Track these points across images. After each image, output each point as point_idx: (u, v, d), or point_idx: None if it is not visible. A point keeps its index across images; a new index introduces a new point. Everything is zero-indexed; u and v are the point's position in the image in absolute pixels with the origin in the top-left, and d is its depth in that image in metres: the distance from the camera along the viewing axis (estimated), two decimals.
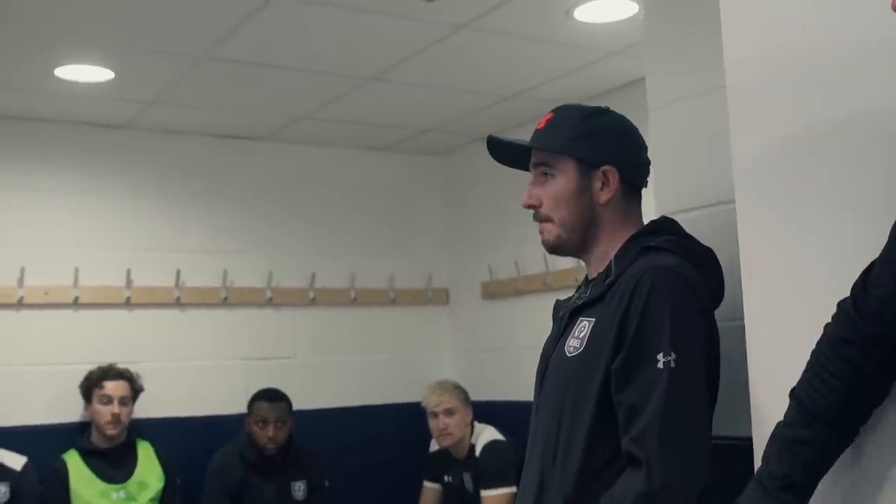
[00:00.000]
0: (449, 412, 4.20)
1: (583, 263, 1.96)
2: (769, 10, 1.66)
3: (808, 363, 1.49)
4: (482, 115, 4.54)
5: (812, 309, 1.55)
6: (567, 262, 4.00)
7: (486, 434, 4.22)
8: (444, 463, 4.37)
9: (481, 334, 5.15)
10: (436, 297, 5.35)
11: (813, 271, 1.56)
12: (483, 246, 5.10)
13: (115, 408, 4.06)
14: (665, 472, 1.61)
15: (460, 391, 4.31)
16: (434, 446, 4.42)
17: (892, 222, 1.38)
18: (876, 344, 1.41)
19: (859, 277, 1.44)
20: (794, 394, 1.49)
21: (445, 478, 4.37)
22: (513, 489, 3.91)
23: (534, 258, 4.51)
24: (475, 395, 4.43)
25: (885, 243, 1.40)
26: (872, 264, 1.42)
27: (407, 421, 4.80)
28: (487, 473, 4.08)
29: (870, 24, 1.46)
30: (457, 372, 5.00)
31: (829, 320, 1.48)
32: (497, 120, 4.56)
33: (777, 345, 1.62)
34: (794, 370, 1.59)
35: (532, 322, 4.39)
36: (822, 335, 1.48)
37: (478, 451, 4.17)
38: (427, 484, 4.48)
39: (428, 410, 4.27)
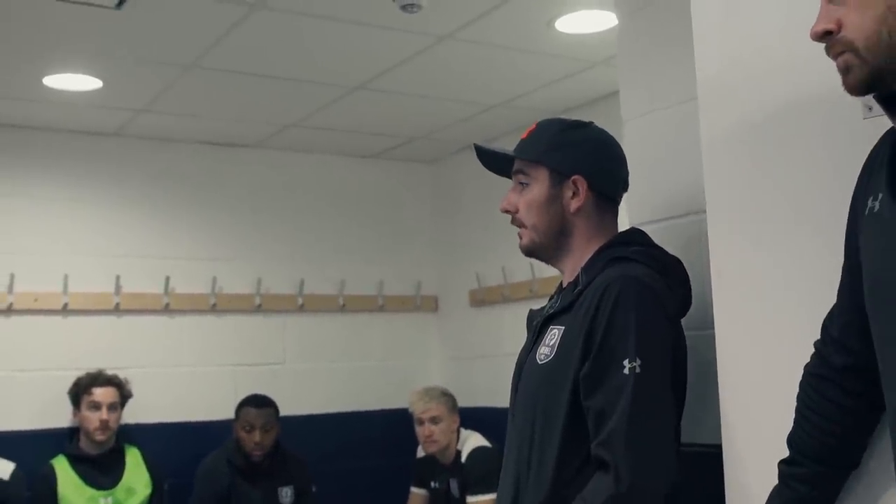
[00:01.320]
0: (434, 420, 4.22)
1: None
2: (740, 23, 1.69)
3: (796, 404, 1.51)
4: (468, 124, 4.56)
5: (781, 318, 1.59)
6: (553, 270, 4.01)
7: (472, 440, 4.25)
8: (431, 469, 4.39)
9: (469, 341, 5.17)
10: (424, 304, 5.37)
11: (782, 281, 1.59)
12: (471, 253, 5.12)
13: (104, 414, 4.08)
14: (632, 474, 1.66)
15: (447, 398, 4.33)
16: (421, 452, 4.44)
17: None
18: (847, 376, 1.43)
19: (827, 314, 1.47)
20: (788, 435, 1.52)
21: (432, 483, 4.39)
22: None
23: (520, 266, 4.53)
24: (463, 402, 4.45)
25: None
26: None
27: (395, 427, 4.83)
28: (473, 479, 4.10)
29: None
30: (445, 378, 5.02)
31: (801, 339, 1.50)
32: (483, 128, 4.59)
33: (746, 353, 1.65)
34: (763, 378, 1.62)
35: (519, 329, 4.29)
36: (802, 375, 1.50)
37: (464, 458, 4.19)
38: (414, 489, 4.50)
39: (414, 417, 4.29)
